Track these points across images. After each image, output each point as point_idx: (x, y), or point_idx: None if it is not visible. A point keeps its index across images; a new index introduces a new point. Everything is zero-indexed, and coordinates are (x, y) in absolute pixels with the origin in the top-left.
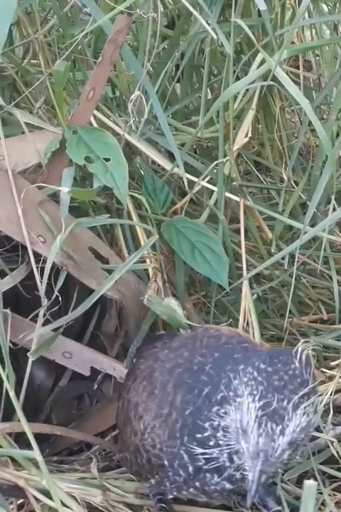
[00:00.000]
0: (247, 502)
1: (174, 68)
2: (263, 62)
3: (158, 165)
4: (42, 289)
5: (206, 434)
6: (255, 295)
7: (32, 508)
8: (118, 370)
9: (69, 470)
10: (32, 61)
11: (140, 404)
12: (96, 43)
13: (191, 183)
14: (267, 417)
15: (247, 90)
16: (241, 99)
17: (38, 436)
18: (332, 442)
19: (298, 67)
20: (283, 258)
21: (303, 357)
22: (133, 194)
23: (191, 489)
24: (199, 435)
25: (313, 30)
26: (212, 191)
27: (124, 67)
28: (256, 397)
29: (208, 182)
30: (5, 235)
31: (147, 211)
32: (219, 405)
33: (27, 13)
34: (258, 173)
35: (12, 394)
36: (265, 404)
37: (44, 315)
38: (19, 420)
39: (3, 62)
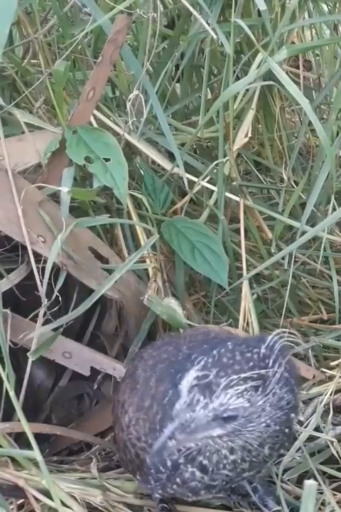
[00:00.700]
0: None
1: (174, 68)
2: (263, 62)
3: (158, 165)
4: (42, 289)
5: None
6: (255, 295)
7: (32, 508)
8: (118, 370)
9: (69, 470)
10: (32, 61)
11: (126, 401)
12: (96, 43)
13: (191, 183)
14: (198, 387)
15: (247, 90)
16: (241, 99)
17: (38, 436)
18: (332, 442)
19: (298, 67)
20: (283, 258)
21: (277, 345)
22: (133, 194)
23: (175, 486)
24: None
25: (313, 30)
26: (212, 191)
27: (124, 67)
28: (198, 368)
29: (208, 182)
30: (5, 235)
31: (147, 211)
32: None
33: (27, 13)
34: (258, 173)
35: (12, 394)
36: (203, 376)
37: (44, 315)
38: (19, 420)
39: (3, 62)
